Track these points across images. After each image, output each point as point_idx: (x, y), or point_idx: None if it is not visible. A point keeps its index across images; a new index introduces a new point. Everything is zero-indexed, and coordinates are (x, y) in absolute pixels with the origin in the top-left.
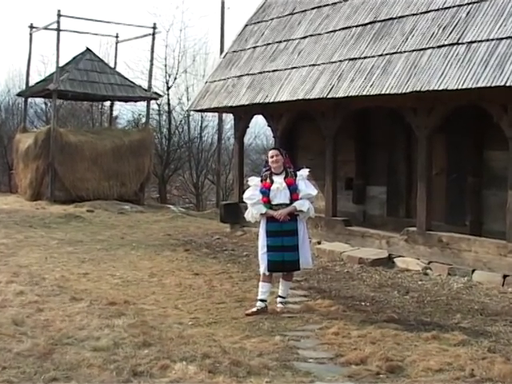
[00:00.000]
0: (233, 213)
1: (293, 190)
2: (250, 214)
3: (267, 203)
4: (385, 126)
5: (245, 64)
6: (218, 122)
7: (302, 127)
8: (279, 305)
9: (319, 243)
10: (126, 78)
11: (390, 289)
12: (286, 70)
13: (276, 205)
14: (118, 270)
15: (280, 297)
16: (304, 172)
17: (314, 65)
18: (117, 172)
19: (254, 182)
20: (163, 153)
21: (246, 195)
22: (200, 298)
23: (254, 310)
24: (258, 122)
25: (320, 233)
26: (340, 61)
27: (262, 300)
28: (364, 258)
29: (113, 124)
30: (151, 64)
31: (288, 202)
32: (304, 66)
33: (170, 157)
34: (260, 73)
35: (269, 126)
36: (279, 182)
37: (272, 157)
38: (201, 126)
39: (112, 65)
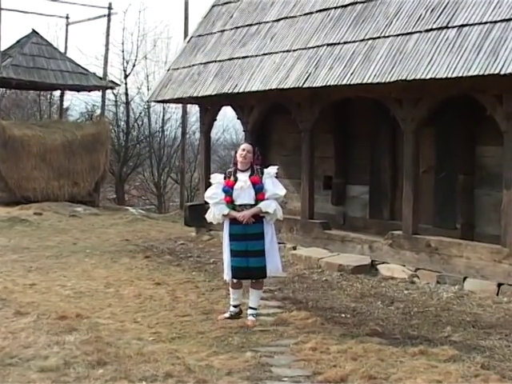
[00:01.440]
0: (198, 215)
1: (258, 189)
2: (212, 215)
3: (230, 203)
4: (367, 119)
5: (212, 49)
6: (182, 115)
7: (276, 120)
8: (250, 317)
9: (294, 248)
10: (79, 65)
11: (372, 299)
12: (257, 56)
13: (240, 205)
14: (69, 279)
15: (251, 308)
16: (272, 170)
17: (288, 51)
18: (68, 170)
19: (217, 179)
20: (121, 148)
21: (207, 194)
22: (162, 311)
23: (227, 315)
24: (227, 115)
25: (295, 237)
26: (317, 46)
27: (234, 306)
28: (344, 265)
29: (63, 116)
30: (106, 49)
31: (253, 202)
32: (277, 52)
33: (128, 153)
34: (229, 59)
35: (238, 118)
36: (243, 180)
37: (243, 150)
38: (163, 119)
39: (62, 49)
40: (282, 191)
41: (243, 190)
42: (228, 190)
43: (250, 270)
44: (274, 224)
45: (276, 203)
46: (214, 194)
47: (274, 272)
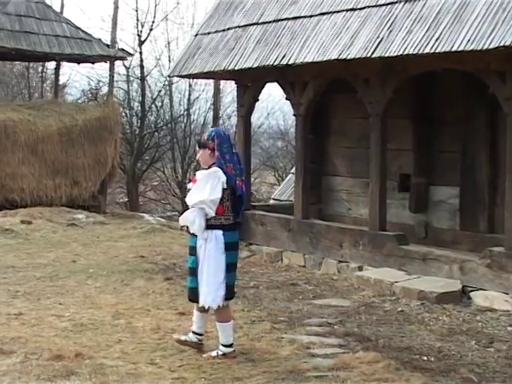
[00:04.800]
0: None
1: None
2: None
3: None
4: (457, 99)
5: (253, 8)
6: (214, 94)
7: (337, 101)
8: (213, 352)
9: (360, 269)
10: (79, 28)
11: (465, 337)
12: (312, 16)
13: None
14: (66, 308)
15: (220, 344)
16: (202, 171)
17: (353, 9)
18: (66, 165)
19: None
20: (134, 138)
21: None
22: (187, 349)
23: (182, 338)
24: (272, 94)
25: (362, 254)
26: (391, 3)
27: (193, 332)
28: (426, 292)
29: (60, 95)
30: (116, 7)
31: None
32: (339, 11)
33: (143, 144)
34: (275, 21)
35: (287, 99)
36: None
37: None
38: (189, 99)
39: (58, 8)
40: (190, 199)
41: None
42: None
43: (189, 291)
44: (218, 238)
45: (194, 213)
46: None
47: (203, 301)
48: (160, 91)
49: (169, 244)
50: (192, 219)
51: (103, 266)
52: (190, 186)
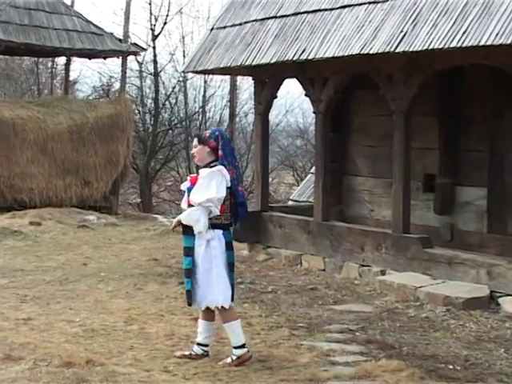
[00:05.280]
0: (253, 227)
1: (189, 192)
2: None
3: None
4: (485, 96)
5: (271, 1)
6: (231, 90)
7: (358, 98)
8: (228, 359)
9: (383, 273)
10: (90, 22)
11: (493, 345)
12: (333, 10)
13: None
14: (77, 313)
15: (233, 348)
16: (205, 170)
17: (376, 1)
18: (77, 165)
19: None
20: (147, 136)
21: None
22: (202, 356)
23: (186, 353)
24: (291, 91)
25: (384, 257)
26: None
27: (198, 344)
28: (452, 298)
29: (70, 92)
30: (128, 1)
31: (186, 207)
32: (361, 4)
33: (157, 142)
34: (294, 14)
35: (307, 95)
36: (187, 179)
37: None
38: (204, 96)
39: (68, 2)
40: (199, 197)
41: (184, 192)
42: (186, 190)
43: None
44: (220, 237)
45: (198, 212)
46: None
47: (206, 302)
48: (174, 87)
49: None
50: (197, 218)
51: (115, 269)
52: (183, 185)
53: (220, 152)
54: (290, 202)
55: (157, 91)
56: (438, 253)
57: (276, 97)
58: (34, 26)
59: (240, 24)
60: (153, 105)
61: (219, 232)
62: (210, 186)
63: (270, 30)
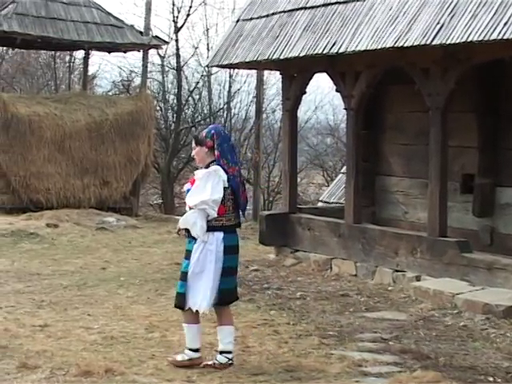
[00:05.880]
0: (280, 229)
1: (187, 194)
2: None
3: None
4: None
5: None
6: (257, 85)
7: (392, 93)
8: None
9: (418, 279)
10: (110, 14)
11: None
12: (365, 0)
13: None
14: (96, 319)
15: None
16: (201, 171)
17: None
18: (95, 164)
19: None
20: (169, 134)
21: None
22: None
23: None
24: (321, 86)
25: (420, 262)
26: None
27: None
28: (492, 305)
29: (89, 87)
30: None
31: (188, 210)
32: None
33: (179, 140)
34: (324, 5)
35: (338, 91)
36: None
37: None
38: (229, 92)
39: None
40: (192, 200)
41: (186, 194)
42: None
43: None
44: (219, 241)
45: (195, 215)
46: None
47: (192, 305)
48: (198, 83)
49: None
50: (193, 221)
51: (135, 273)
52: (186, 186)
53: (216, 152)
54: (320, 204)
55: (179, 86)
56: (477, 258)
57: (305, 92)
58: (51, 18)
59: (267, 15)
60: (175, 101)
61: (219, 235)
62: (204, 188)
63: (299, 22)
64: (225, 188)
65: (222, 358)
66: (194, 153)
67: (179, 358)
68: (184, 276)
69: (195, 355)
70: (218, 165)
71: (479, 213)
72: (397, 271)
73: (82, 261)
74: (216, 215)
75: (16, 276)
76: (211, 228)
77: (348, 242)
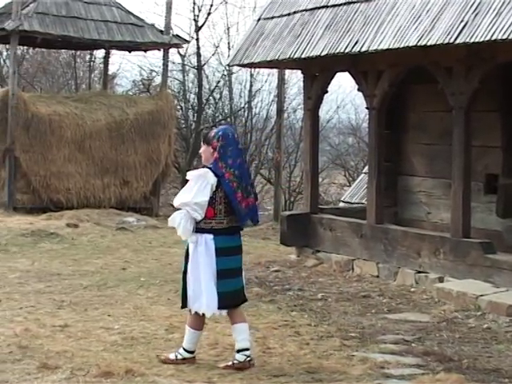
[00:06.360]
0: (301, 230)
1: None
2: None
3: None
4: None
5: None
6: (279, 85)
7: (415, 93)
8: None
9: (441, 280)
10: (130, 13)
11: None
12: None
13: None
14: (116, 320)
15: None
16: (192, 172)
17: None
18: (116, 163)
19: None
20: (190, 133)
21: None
22: (247, 367)
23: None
24: (343, 85)
25: (443, 263)
26: None
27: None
28: None
29: (109, 87)
30: None
31: None
32: None
33: (200, 140)
34: (346, 3)
35: (360, 90)
36: None
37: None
38: (250, 91)
39: None
40: (176, 200)
41: None
42: None
43: None
44: (208, 243)
45: (181, 215)
46: None
47: (191, 305)
48: (218, 82)
49: None
50: (178, 221)
51: (156, 274)
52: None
53: (216, 154)
54: (342, 204)
55: (200, 86)
56: (501, 259)
57: (327, 91)
58: (72, 17)
59: (288, 14)
60: (196, 100)
61: (208, 237)
62: (191, 190)
63: (321, 21)
64: (215, 191)
65: (240, 357)
66: (201, 150)
67: (172, 356)
68: (183, 276)
69: (189, 356)
70: (213, 167)
71: (503, 213)
72: (419, 272)
73: (102, 261)
74: (200, 218)
75: (36, 276)
76: (200, 230)
77: (370, 243)
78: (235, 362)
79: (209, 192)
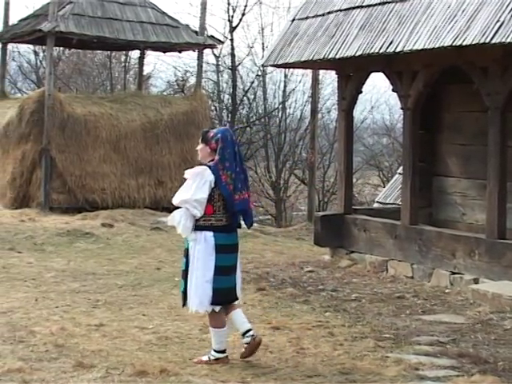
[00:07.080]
0: (335, 230)
1: None
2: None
3: None
4: None
5: None
6: (313, 85)
7: (450, 93)
8: (204, 357)
9: (476, 281)
10: (165, 14)
11: None
12: None
13: None
14: (150, 319)
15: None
16: (191, 170)
17: None
18: (150, 164)
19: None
20: None
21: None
22: (282, 367)
23: (205, 359)
24: (377, 86)
25: (478, 265)
26: None
27: (215, 351)
28: None
29: (144, 87)
30: None
31: None
32: None
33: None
34: (381, 4)
35: (394, 90)
36: None
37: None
38: (284, 91)
39: None
40: (175, 198)
41: None
42: None
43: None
44: (208, 240)
45: (180, 214)
46: None
47: (191, 305)
48: (253, 82)
49: (261, 251)
50: (178, 219)
51: None
52: None
53: (216, 156)
54: (376, 205)
55: (234, 86)
56: None
57: (361, 92)
58: (107, 18)
59: (323, 14)
60: (230, 101)
61: (208, 234)
62: (190, 188)
63: (355, 21)
64: (213, 188)
65: (246, 339)
66: (198, 148)
67: (205, 358)
68: (183, 274)
69: (221, 355)
70: (213, 168)
71: None
72: (454, 273)
73: (137, 261)
74: (200, 215)
75: (72, 275)
76: (199, 227)
77: (404, 244)
78: (245, 345)
79: (207, 189)
